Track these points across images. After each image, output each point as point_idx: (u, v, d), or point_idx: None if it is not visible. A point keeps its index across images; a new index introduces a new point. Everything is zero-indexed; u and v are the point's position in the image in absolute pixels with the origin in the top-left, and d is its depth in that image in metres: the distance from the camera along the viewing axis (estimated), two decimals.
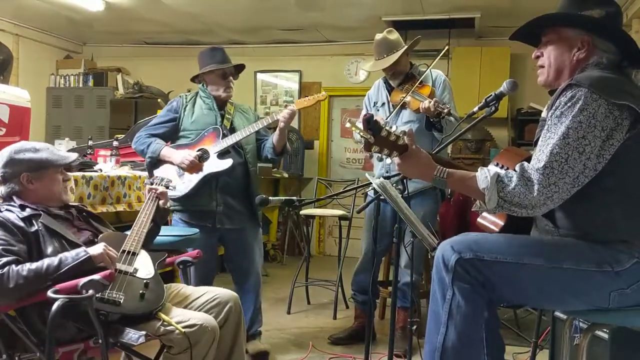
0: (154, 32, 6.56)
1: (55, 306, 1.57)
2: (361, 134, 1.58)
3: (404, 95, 2.97)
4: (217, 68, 2.89)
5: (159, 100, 6.10)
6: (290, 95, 6.83)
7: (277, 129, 2.85)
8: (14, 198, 1.93)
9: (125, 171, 3.36)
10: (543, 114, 1.68)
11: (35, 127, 5.48)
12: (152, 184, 2.34)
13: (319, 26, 5.99)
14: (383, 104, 3.15)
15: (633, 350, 2.01)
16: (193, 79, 3.04)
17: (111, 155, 3.49)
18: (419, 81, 2.97)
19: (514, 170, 1.54)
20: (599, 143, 1.48)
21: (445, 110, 2.72)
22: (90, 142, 4.00)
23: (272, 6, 5.31)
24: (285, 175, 5.98)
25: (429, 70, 3.07)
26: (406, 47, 3.01)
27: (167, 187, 2.34)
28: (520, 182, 1.49)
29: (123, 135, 4.48)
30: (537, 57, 1.74)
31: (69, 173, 2.11)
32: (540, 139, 1.56)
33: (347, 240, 3.95)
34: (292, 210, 5.61)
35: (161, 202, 2.25)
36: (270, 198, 2.25)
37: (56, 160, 1.99)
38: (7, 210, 1.86)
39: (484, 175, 1.53)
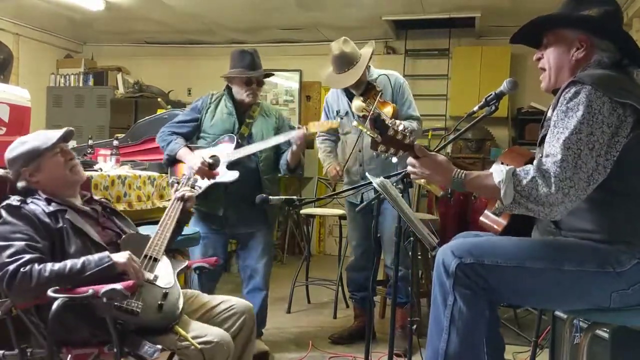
0: (154, 31, 6.56)
1: (55, 305, 1.56)
2: (368, 133, 1.59)
3: (366, 109, 2.94)
4: (240, 75, 2.90)
5: (159, 99, 6.10)
6: (291, 94, 6.83)
7: (291, 149, 2.85)
8: (38, 192, 1.89)
9: (125, 170, 3.36)
10: (548, 114, 1.67)
11: (36, 127, 5.46)
12: (178, 183, 2.29)
13: (319, 26, 5.99)
14: (346, 112, 3.13)
15: (633, 350, 2.01)
16: (223, 77, 3.04)
17: (111, 154, 3.49)
18: (379, 95, 2.94)
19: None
20: (606, 139, 1.47)
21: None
22: (90, 142, 4.00)
23: (272, 6, 5.31)
24: (286, 174, 5.97)
25: (385, 75, 3.08)
26: (368, 59, 2.97)
27: (193, 187, 2.29)
28: (537, 174, 1.46)
29: (123, 135, 4.48)
30: (538, 59, 1.73)
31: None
32: (548, 135, 1.54)
33: (347, 240, 3.95)
34: (292, 210, 5.61)
35: (187, 204, 2.20)
36: (271, 197, 2.25)
37: (44, 143, 1.92)
38: (33, 202, 1.82)
39: (499, 169, 1.51)
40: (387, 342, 2.19)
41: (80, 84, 6.87)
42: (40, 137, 1.95)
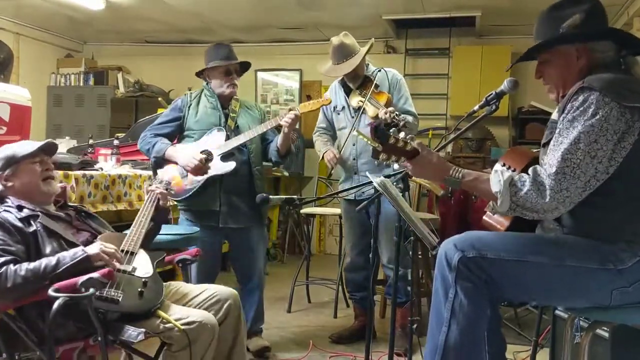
0: (155, 30, 6.56)
1: (56, 305, 1.57)
2: (369, 142, 1.59)
3: (361, 100, 2.97)
4: (219, 65, 2.90)
5: (159, 99, 6.11)
6: (291, 94, 6.83)
7: (282, 132, 2.85)
8: (10, 198, 1.92)
9: (126, 170, 3.37)
10: (553, 116, 1.67)
11: (36, 126, 5.48)
12: (150, 185, 2.33)
13: (320, 25, 5.99)
14: (343, 107, 3.14)
15: (634, 349, 2.01)
16: (198, 75, 3.04)
17: (112, 154, 3.50)
18: (374, 85, 2.96)
19: (522, 170, 1.55)
20: (610, 146, 1.47)
21: (401, 124, 2.73)
22: (90, 141, 4.00)
23: (272, 5, 5.31)
24: (286, 174, 5.98)
25: (383, 71, 3.11)
26: (365, 51, 3.00)
27: (167, 189, 2.32)
28: (532, 187, 1.49)
29: (124, 134, 4.48)
30: (540, 77, 1.74)
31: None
32: (552, 142, 1.55)
33: None
34: (292, 209, 5.61)
35: (161, 202, 2.24)
36: (271, 197, 2.25)
37: (19, 152, 1.95)
38: (5, 210, 1.85)
39: (497, 179, 1.53)
40: (388, 341, 2.19)
41: (81, 84, 6.88)
42: (23, 145, 1.99)
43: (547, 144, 1.64)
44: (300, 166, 6.35)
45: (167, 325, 1.73)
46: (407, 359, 2.53)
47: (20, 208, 1.88)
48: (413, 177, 1.99)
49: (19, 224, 1.81)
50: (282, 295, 4.10)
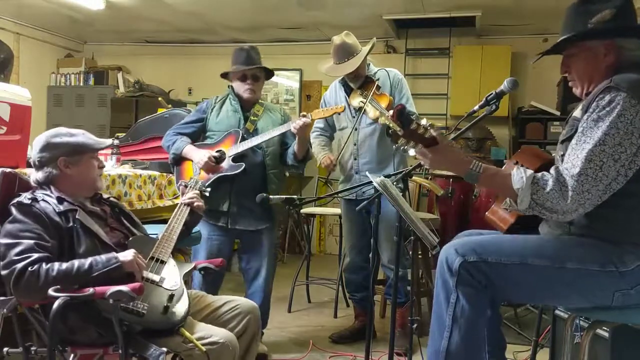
0: (155, 30, 6.56)
1: (56, 305, 1.57)
2: (391, 125, 1.58)
3: (362, 101, 2.97)
4: (235, 70, 2.93)
5: (159, 99, 6.09)
6: (291, 94, 6.83)
7: (296, 138, 2.84)
8: (51, 186, 1.88)
9: (126, 170, 3.36)
10: (576, 114, 1.66)
11: (36, 126, 5.46)
12: (186, 186, 2.30)
13: (320, 25, 5.99)
14: (343, 107, 3.14)
15: (634, 349, 2.01)
16: (223, 76, 3.05)
17: (112, 154, 3.49)
18: (375, 86, 2.97)
19: (535, 171, 1.53)
20: (634, 150, 1.46)
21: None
22: None
23: (272, 5, 5.31)
24: (286, 174, 5.97)
25: (385, 71, 3.11)
26: (367, 51, 3.00)
27: (202, 192, 2.29)
28: (555, 187, 1.48)
29: (124, 134, 4.48)
30: (566, 72, 1.72)
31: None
32: (574, 141, 1.53)
33: None
34: (292, 209, 5.60)
35: (195, 204, 2.23)
36: (271, 197, 2.25)
37: (92, 144, 1.96)
38: (43, 200, 1.81)
39: (519, 176, 1.52)
40: (388, 341, 2.19)
41: (81, 83, 6.89)
42: (89, 136, 2.00)
43: (566, 140, 1.62)
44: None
45: (189, 345, 1.72)
46: (407, 359, 2.53)
47: (60, 200, 1.84)
48: (414, 177, 1.98)
49: (57, 219, 1.78)
50: (283, 295, 4.10)
